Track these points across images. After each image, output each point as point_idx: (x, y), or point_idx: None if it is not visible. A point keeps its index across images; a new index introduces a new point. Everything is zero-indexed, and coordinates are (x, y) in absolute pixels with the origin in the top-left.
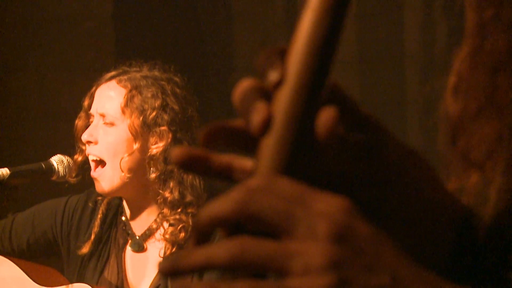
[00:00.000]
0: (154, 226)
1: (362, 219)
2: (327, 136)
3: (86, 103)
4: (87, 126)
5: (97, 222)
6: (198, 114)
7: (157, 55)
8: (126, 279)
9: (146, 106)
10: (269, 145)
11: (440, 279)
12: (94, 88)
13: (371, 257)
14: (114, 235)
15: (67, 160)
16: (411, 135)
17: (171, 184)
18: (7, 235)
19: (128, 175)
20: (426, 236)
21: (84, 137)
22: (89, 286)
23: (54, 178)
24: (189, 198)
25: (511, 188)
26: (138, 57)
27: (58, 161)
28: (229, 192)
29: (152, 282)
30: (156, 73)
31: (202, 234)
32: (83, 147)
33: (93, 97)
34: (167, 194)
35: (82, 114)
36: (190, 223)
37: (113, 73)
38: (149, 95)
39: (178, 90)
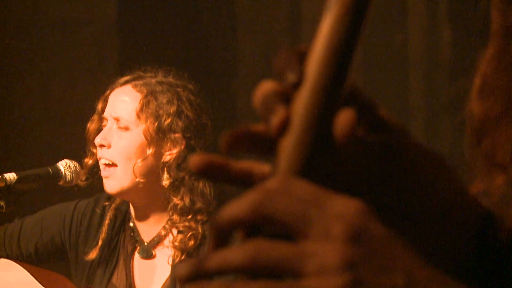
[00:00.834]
0: (163, 233)
1: (376, 221)
2: (345, 138)
3: (99, 106)
4: (99, 129)
5: (105, 228)
6: (212, 122)
7: (160, 61)
8: (135, 286)
9: (161, 112)
10: (287, 147)
11: (455, 281)
12: (108, 92)
13: (385, 258)
14: (122, 241)
15: (74, 165)
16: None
17: (182, 191)
18: (16, 239)
19: (142, 181)
20: (446, 237)
21: (97, 140)
22: None
23: (61, 183)
24: (199, 205)
25: None
26: (141, 62)
27: (65, 166)
28: (246, 194)
29: (162, 287)
30: (171, 79)
31: (220, 236)
32: (94, 150)
33: (107, 101)
34: (177, 201)
35: (95, 117)
36: (200, 230)
37: (127, 77)
38: (165, 101)
39: (192, 97)
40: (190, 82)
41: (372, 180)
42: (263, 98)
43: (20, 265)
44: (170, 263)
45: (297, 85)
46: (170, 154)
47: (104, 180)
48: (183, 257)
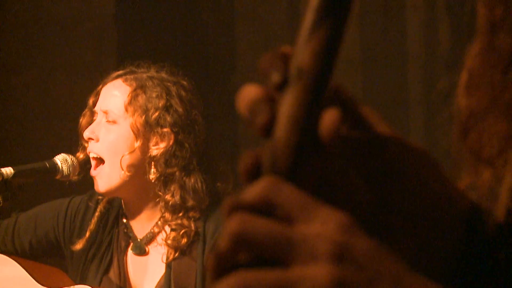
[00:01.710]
0: (156, 230)
1: (360, 235)
2: (331, 137)
3: (91, 100)
4: (90, 123)
5: (94, 220)
6: (203, 118)
7: (159, 56)
8: (129, 281)
9: (149, 106)
10: (273, 148)
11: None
12: (100, 86)
13: (372, 272)
14: (116, 237)
15: (71, 159)
16: (414, 135)
17: (172, 188)
18: (10, 235)
19: (128, 174)
20: (433, 232)
21: (86, 134)
22: None
23: (58, 177)
24: (190, 202)
25: None
26: (140, 57)
27: (62, 160)
28: (226, 222)
29: (156, 285)
30: (163, 75)
31: (217, 273)
32: (86, 145)
33: (99, 95)
34: (168, 198)
35: (86, 111)
36: (192, 227)
37: (120, 72)
38: (154, 95)
39: (183, 93)
40: (184, 79)
41: (356, 176)
42: (246, 99)
43: (15, 260)
44: (164, 261)
45: (281, 86)
46: (157, 149)
47: (94, 180)
48: (176, 254)
